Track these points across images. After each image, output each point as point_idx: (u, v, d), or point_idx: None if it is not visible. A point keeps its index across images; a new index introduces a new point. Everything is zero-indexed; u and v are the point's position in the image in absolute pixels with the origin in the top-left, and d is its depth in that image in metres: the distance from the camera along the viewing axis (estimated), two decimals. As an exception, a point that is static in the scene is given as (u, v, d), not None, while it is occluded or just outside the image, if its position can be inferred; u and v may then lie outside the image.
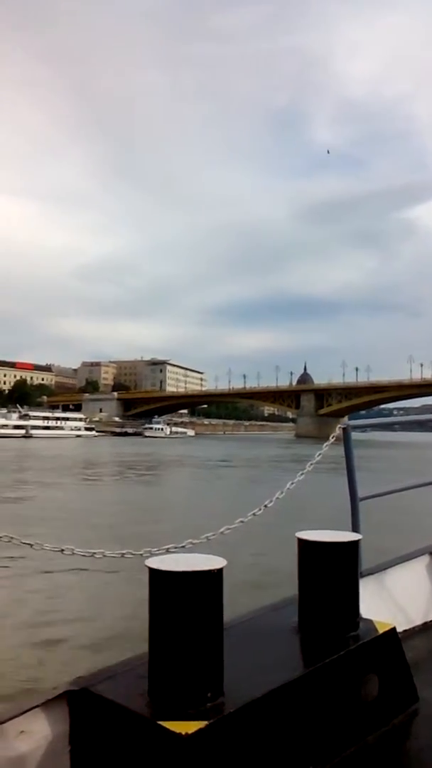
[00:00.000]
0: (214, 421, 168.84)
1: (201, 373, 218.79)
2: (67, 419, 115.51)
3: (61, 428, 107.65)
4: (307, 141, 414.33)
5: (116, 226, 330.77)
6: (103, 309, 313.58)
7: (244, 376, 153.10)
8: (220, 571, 1.80)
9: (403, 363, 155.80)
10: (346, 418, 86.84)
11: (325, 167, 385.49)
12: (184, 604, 1.74)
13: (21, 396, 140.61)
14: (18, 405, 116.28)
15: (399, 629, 2.43)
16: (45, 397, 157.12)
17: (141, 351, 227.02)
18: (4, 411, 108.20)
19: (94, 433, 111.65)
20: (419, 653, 2.78)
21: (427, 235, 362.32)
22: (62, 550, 2.25)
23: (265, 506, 2.75)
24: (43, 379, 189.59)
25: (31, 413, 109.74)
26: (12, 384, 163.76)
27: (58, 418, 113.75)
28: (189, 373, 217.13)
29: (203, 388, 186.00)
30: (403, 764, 2.08)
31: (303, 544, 2.34)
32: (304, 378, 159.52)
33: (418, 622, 3.19)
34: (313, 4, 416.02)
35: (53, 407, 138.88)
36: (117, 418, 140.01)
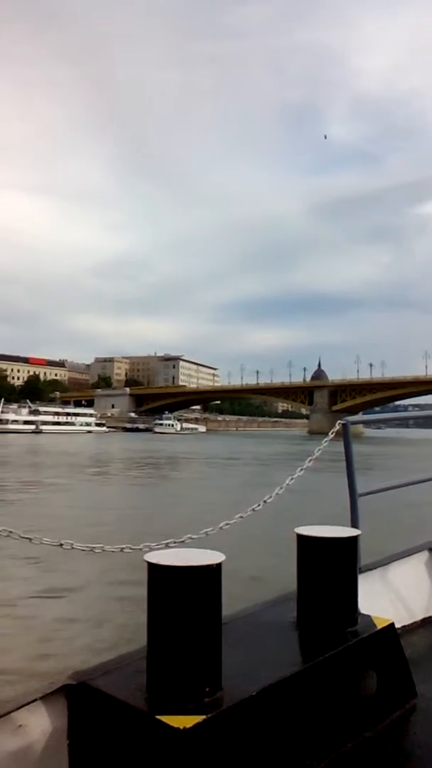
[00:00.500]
0: (227, 418, 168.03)
1: (214, 369, 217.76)
2: (78, 415, 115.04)
3: (72, 424, 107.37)
4: (322, 137, 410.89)
5: (132, 223, 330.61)
6: (117, 305, 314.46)
7: (257, 372, 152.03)
8: (218, 565, 1.80)
9: (417, 359, 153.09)
10: (360, 414, 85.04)
11: (340, 163, 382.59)
12: (182, 599, 1.74)
13: (33, 391, 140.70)
14: (28, 400, 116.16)
15: (398, 625, 2.45)
16: (58, 393, 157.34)
17: (155, 347, 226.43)
18: (15, 406, 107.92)
19: (104, 428, 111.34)
20: (418, 649, 2.82)
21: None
22: (61, 545, 2.23)
23: (264, 502, 2.80)
24: (56, 375, 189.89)
25: (42, 409, 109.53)
26: (25, 379, 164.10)
27: (68, 414, 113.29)
28: (201, 369, 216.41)
29: (216, 384, 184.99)
30: (401, 759, 2.08)
31: (302, 539, 2.34)
32: (318, 374, 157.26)
33: (417, 617, 3.22)
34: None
35: (66, 403, 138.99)
36: (132, 414, 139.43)
